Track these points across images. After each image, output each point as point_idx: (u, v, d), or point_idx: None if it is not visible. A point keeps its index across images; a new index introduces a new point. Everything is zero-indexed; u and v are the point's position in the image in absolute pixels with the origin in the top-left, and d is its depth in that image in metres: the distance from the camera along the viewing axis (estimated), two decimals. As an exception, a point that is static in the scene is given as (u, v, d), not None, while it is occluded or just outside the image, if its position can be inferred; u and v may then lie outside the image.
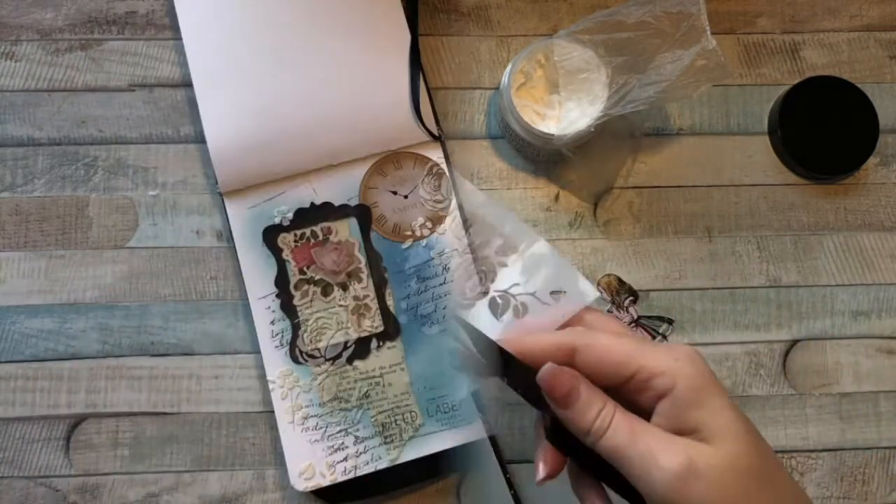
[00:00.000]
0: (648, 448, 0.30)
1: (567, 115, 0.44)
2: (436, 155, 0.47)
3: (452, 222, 0.46)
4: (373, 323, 0.45)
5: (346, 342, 0.45)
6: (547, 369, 0.32)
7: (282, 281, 0.45)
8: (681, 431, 0.30)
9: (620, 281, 0.46)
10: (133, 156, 0.47)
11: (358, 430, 0.44)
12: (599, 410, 0.31)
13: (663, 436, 0.30)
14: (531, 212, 0.47)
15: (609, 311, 0.45)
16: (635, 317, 0.45)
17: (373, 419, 0.44)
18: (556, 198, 0.48)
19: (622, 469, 0.30)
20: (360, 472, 0.43)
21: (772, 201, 0.48)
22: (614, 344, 0.32)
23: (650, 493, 0.29)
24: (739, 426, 0.30)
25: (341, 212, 0.46)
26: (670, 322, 0.45)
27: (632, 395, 0.31)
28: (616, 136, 0.46)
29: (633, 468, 0.30)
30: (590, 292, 0.34)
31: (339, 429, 0.44)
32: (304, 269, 0.45)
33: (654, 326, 0.45)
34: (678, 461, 0.29)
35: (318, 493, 0.43)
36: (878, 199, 0.48)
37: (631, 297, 0.45)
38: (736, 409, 0.30)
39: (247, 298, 0.45)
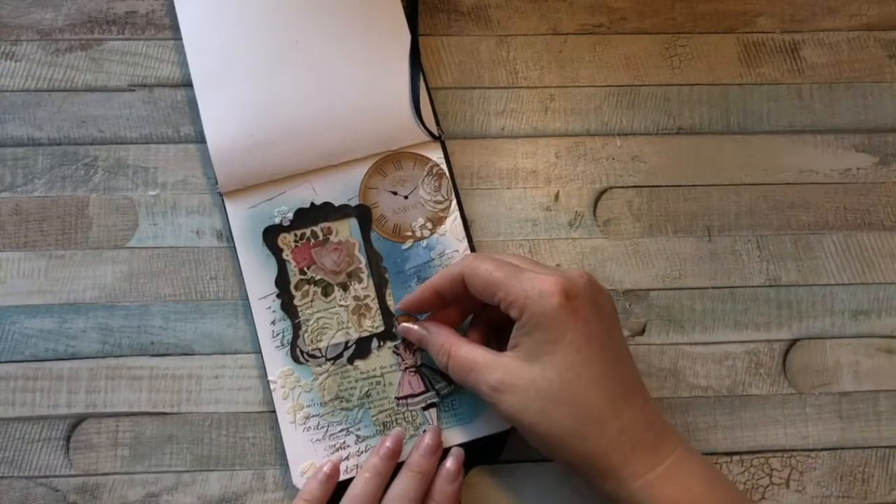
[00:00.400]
0: (479, 369, 0.39)
1: None
2: (436, 155, 0.47)
3: (453, 223, 0.46)
4: (373, 323, 0.45)
5: (346, 342, 0.45)
6: (401, 327, 0.44)
7: (282, 281, 0.45)
8: (514, 346, 0.39)
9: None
10: (133, 156, 0.47)
11: (359, 429, 0.44)
12: (441, 347, 0.41)
13: (490, 358, 0.39)
14: (531, 212, 0.47)
15: (395, 350, 0.44)
16: (419, 363, 0.44)
17: (374, 418, 0.44)
18: (556, 197, 0.48)
19: (467, 387, 0.40)
20: (360, 472, 0.43)
21: (772, 200, 0.48)
22: (489, 272, 0.39)
23: (485, 401, 0.39)
24: (553, 357, 0.37)
25: (341, 212, 0.46)
26: (451, 382, 0.44)
27: (507, 312, 0.39)
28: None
29: (472, 387, 0.40)
30: None
31: (340, 428, 0.44)
32: (305, 269, 0.45)
33: (433, 380, 0.44)
34: (494, 378, 0.38)
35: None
36: (878, 198, 0.48)
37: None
38: (561, 345, 0.37)
39: (247, 298, 0.45)
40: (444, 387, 0.44)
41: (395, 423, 0.44)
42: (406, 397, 0.44)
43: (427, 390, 0.44)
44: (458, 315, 0.44)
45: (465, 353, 0.40)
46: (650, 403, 0.39)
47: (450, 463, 0.42)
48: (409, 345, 0.45)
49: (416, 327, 0.43)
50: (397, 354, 0.45)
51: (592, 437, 0.37)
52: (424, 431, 0.43)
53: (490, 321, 0.43)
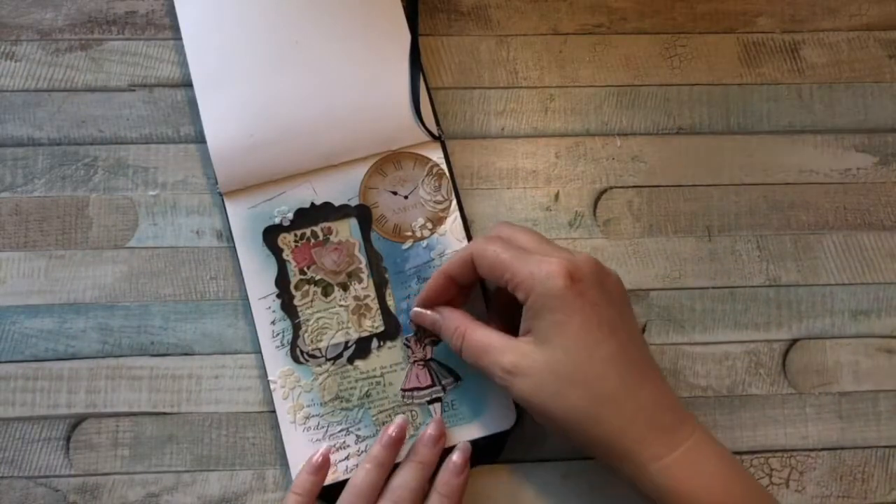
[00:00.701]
0: (493, 352, 0.39)
1: None
2: (436, 155, 0.47)
3: (453, 223, 0.46)
4: (373, 323, 0.45)
5: (346, 342, 0.45)
6: (413, 313, 0.44)
7: (282, 281, 0.45)
8: (527, 331, 0.39)
9: None
10: (133, 156, 0.47)
11: (359, 429, 0.44)
12: (455, 329, 0.41)
13: (504, 342, 0.39)
14: (531, 212, 0.47)
15: (406, 343, 0.45)
16: (428, 357, 0.45)
17: (374, 418, 0.44)
18: (556, 197, 0.48)
19: (479, 369, 0.40)
20: (360, 472, 0.43)
21: (772, 200, 0.48)
22: (497, 254, 0.39)
23: (497, 385, 0.39)
24: (564, 339, 0.37)
25: (341, 212, 0.46)
26: (458, 378, 0.44)
27: (514, 293, 0.39)
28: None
29: (485, 370, 0.39)
30: None
31: (340, 428, 0.44)
32: (305, 269, 0.45)
33: (440, 375, 0.44)
34: (508, 361, 0.38)
35: (320, 491, 0.43)
36: (878, 198, 0.48)
37: (434, 338, 0.45)
38: (571, 326, 0.37)
39: (247, 298, 0.45)
40: (451, 382, 0.44)
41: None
42: (412, 390, 0.44)
43: (433, 384, 0.44)
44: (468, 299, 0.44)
45: (479, 336, 0.40)
46: (665, 386, 0.39)
47: (456, 456, 0.42)
48: (421, 338, 0.45)
49: (428, 312, 0.43)
50: (408, 346, 0.45)
51: (608, 418, 0.37)
52: (428, 423, 0.43)
53: (507, 306, 0.43)
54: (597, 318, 0.38)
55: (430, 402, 0.44)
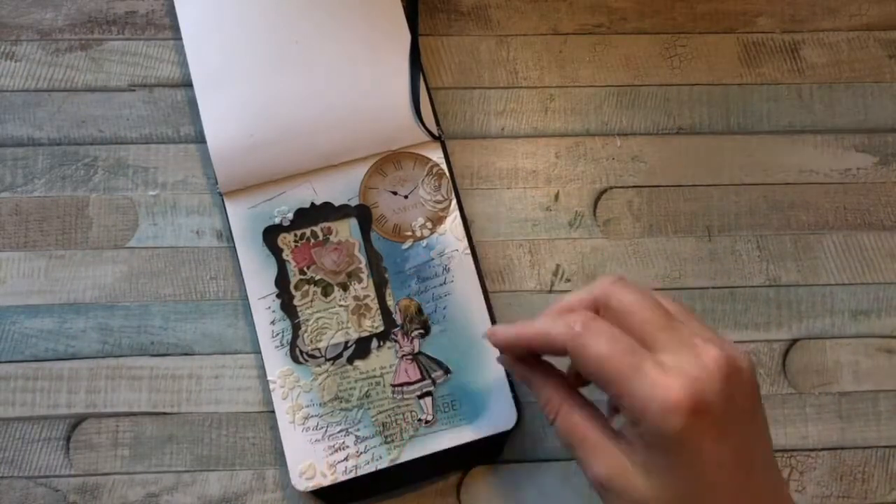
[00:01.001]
0: (587, 449, 0.34)
1: None
2: (436, 155, 0.47)
3: (453, 223, 0.46)
4: (373, 323, 0.45)
5: (346, 342, 0.45)
6: (501, 359, 0.38)
7: (282, 281, 0.45)
8: (630, 443, 0.33)
9: (419, 310, 0.45)
10: (133, 156, 0.47)
11: (359, 429, 0.44)
12: (548, 402, 0.35)
13: (602, 441, 0.33)
14: (531, 212, 0.47)
15: (393, 336, 0.44)
16: (416, 350, 0.44)
17: (373, 419, 0.44)
18: (556, 197, 0.48)
19: (570, 453, 0.35)
20: (360, 472, 0.43)
21: (771, 200, 0.48)
22: (602, 359, 0.32)
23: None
24: (674, 480, 0.32)
25: (341, 212, 0.46)
26: (447, 372, 0.44)
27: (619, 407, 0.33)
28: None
29: (575, 460, 0.34)
30: None
31: (339, 428, 0.44)
32: (305, 269, 0.45)
33: (429, 368, 0.44)
34: (603, 472, 0.33)
35: (319, 492, 0.43)
36: (878, 198, 0.48)
37: (421, 330, 0.44)
38: (684, 470, 0.31)
39: (247, 298, 0.45)
40: (441, 375, 0.44)
41: (394, 424, 0.44)
42: (402, 385, 0.44)
43: (423, 378, 0.44)
44: None
45: (575, 422, 0.34)
46: None
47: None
48: (408, 332, 0.45)
49: (519, 367, 0.37)
50: (395, 341, 0.45)
51: None
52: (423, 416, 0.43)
53: None
54: (717, 460, 0.31)
55: (421, 396, 0.44)
